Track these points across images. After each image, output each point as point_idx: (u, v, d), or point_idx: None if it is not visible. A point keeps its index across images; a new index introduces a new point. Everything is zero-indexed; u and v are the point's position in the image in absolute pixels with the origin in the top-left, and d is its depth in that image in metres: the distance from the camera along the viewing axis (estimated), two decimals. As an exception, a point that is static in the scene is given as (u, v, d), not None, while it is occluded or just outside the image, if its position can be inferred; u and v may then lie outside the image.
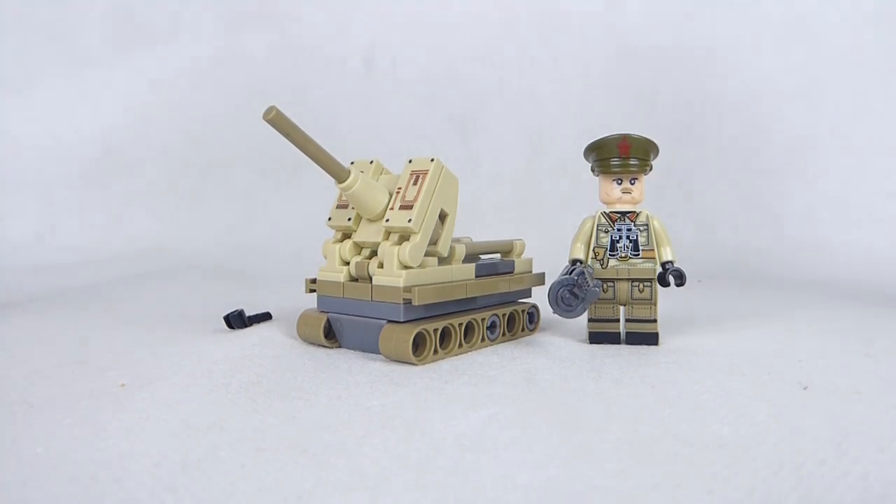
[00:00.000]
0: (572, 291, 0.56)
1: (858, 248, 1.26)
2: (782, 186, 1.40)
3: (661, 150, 0.64)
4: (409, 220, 0.55)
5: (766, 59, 1.44)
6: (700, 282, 1.04)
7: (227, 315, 0.67)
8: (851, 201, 1.35)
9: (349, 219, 0.60)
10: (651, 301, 0.62)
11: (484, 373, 0.51)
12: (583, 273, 0.56)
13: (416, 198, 0.56)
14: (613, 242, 0.63)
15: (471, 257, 0.65)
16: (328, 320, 0.60)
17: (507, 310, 0.64)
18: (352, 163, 0.62)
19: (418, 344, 0.55)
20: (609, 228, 0.63)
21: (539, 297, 0.65)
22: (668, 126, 1.45)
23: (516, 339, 0.65)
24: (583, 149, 0.65)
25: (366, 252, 0.59)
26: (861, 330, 0.68)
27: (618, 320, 0.63)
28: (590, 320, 0.63)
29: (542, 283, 0.69)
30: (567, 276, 0.56)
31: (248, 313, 0.69)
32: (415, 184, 0.57)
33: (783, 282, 1.10)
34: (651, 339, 0.62)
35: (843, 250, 1.26)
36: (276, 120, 0.50)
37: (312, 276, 0.62)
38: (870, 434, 0.37)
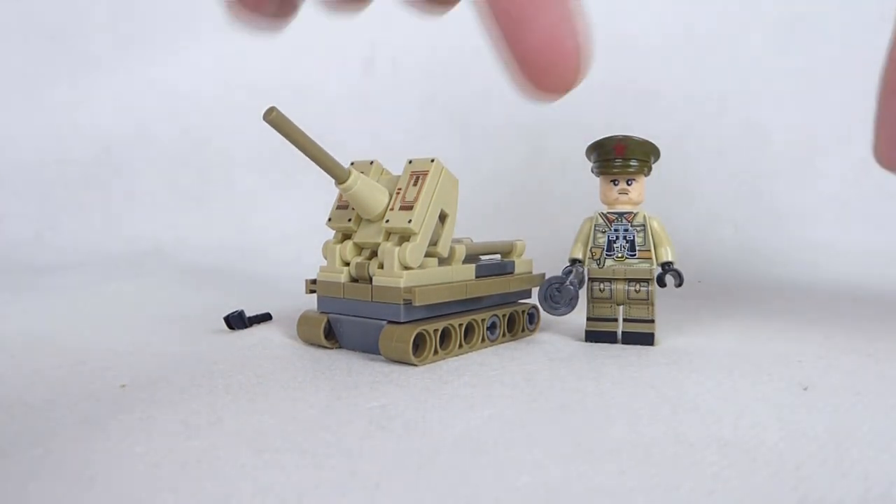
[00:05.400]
0: (559, 290, 0.58)
1: (858, 248, 1.26)
2: (782, 186, 1.40)
3: (662, 150, 0.64)
4: (410, 221, 0.55)
5: (767, 59, 1.44)
6: (700, 282, 1.04)
7: (228, 316, 0.67)
8: (851, 201, 1.35)
9: (349, 219, 0.60)
10: (648, 301, 0.62)
11: (484, 373, 0.51)
12: (571, 272, 0.58)
13: (416, 198, 0.56)
14: (610, 243, 0.63)
15: (471, 258, 0.65)
16: (328, 321, 0.60)
17: (507, 310, 0.64)
18: (352, 163, 0.62)
19: (418, 344, 0.55)
20: (606, 229, 0.63)
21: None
22: (668, 126, 1.45)
23: (516, 339, 0.65)
24: (583, 149, 0.65)
25: (366, 253, 0.59)
26: (861, 330, 0.68)
27: (615, 320, 0.63)
28: (587, 319, 0.63)
29: (542, 283, 0.69)
30: (557, 276, 0.58)
31: (248, 314, 0.69)
32: (415, 184, 0.57)
33: (783, 282, 1.10)
34: (647, 339, 0.62)
35: (843, 250, 1.26)
36: (277, 120, 0.50)
37: (312, 277, 0.62)
38: (870, 434, 0.37)
